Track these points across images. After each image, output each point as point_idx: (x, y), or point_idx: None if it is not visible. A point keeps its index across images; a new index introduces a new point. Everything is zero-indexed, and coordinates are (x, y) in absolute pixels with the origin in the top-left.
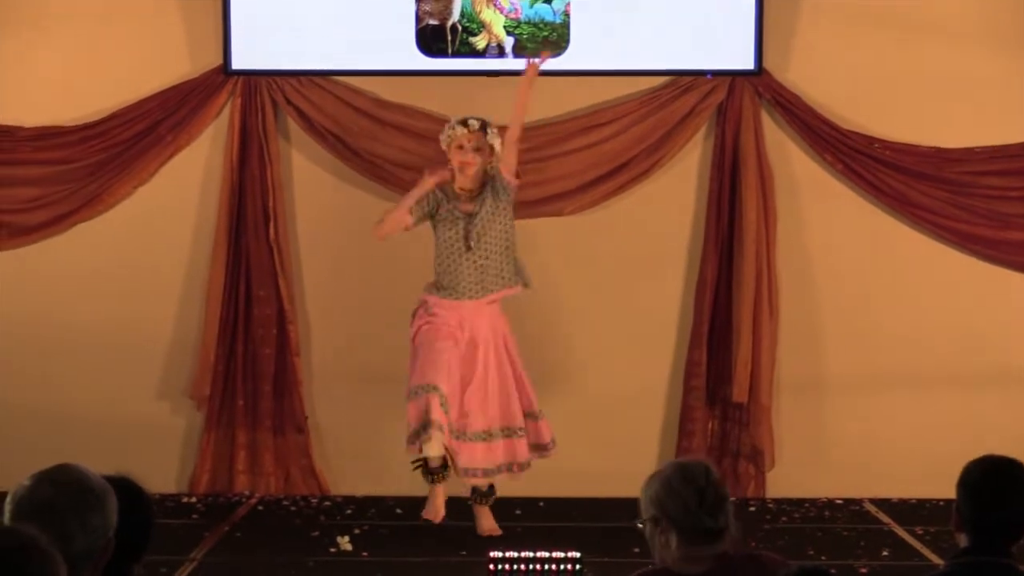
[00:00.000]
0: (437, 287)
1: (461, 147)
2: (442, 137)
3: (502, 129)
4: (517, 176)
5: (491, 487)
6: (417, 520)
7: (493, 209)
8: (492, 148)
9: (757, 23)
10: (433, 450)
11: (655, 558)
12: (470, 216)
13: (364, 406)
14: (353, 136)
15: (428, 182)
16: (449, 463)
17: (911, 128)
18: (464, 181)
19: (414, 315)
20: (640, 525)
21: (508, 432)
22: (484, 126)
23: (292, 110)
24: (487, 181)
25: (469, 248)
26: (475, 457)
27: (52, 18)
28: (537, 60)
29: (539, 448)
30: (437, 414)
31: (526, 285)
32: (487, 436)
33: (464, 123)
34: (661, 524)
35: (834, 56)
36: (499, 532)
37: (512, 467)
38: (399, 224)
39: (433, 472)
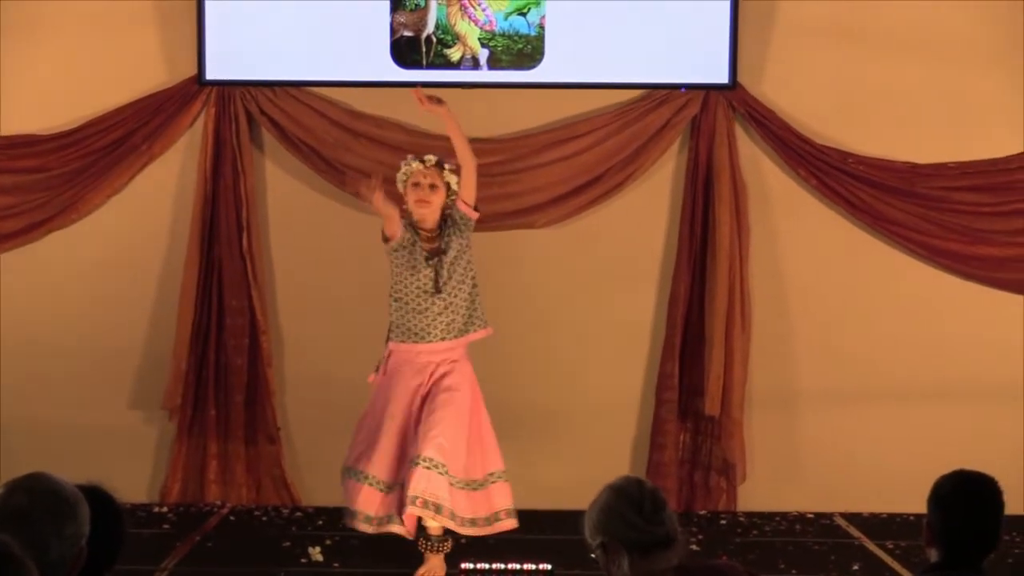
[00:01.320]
0: (404, 332)
1: (417, 184)
2: (399, 176)
3: (459, 168)
4: (476, 209)
5: (446, 535)
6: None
7: (459, 247)
8: (448, 186)
9: (732, 37)
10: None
11: None
12: (437, 257)
13: (336, 417)
14: (327, 147)
15: (374, 199)
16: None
17: (885, 143)
18: (422, 221)
19: (376, 368)
20: (594, 556)
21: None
22: (440, 163)
23: (266, 120)
24: (445, 218)
25: (439, 291)
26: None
27: (27, 27)
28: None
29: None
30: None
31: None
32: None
33: (420, 159)
34: (610, 549)
35: (809, 71)
36: None
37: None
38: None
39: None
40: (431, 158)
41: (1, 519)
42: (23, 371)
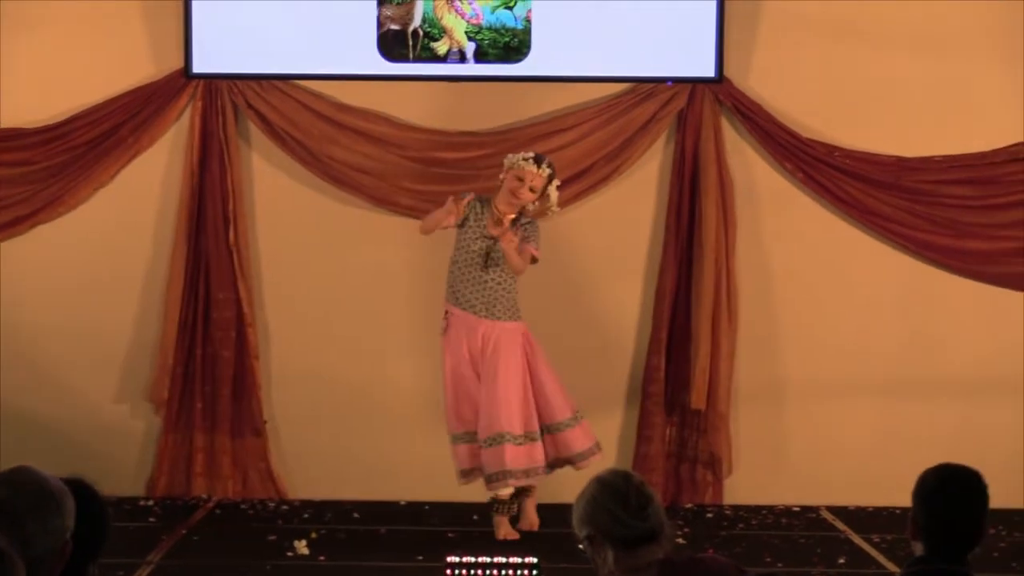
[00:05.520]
0: (454, 296)
1: (521, 179)
2: (510, 158)
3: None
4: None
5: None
6: (373, 525)
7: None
8: (547, 197)
9: (718, 31)
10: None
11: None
12: (494, 239)
13: (322, 410)
14: (313, 140)
15: (457, 206)
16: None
17: (871, 137)
18: (506, 207)
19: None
20: (582, 547)
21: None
22: (551, 175)
23: (253, 114)
24: (521, 215)
25: (486, 267)
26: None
27: (13, 23)
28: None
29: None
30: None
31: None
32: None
33: (538, 162)
34: (596, 541)
35: (795, 64)
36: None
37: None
38: (440, 227)
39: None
40: (547, 169)
41: None
42: (7, 364)
